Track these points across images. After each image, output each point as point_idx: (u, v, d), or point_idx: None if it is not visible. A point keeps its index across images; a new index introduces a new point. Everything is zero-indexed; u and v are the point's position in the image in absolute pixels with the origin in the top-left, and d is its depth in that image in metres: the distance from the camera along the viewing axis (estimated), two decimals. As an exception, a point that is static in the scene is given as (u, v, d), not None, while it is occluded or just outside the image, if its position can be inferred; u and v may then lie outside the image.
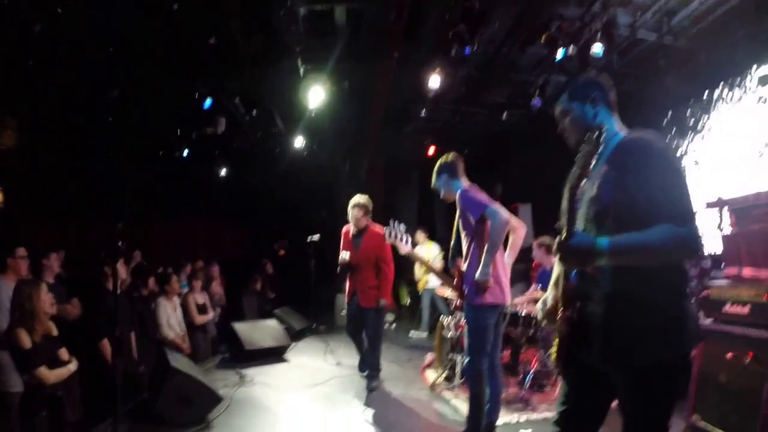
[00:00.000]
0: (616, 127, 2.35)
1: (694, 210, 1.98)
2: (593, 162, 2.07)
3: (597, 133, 2.08)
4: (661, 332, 2.04)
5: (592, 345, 2.18)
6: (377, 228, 5.91)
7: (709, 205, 6.25)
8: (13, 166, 9.60)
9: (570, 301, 2.26)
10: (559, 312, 2.30)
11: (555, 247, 2.08)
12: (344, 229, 6.16)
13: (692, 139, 9.20)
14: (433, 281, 9.20)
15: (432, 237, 10.12)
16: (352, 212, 5.96)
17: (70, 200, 10.79)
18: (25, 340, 3.77)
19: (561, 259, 2.08)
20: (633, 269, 2.05)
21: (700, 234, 1.94)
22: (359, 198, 6.01)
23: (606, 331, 2.14)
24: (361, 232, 6.01)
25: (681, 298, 2.09)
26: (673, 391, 2.10)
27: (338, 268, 6.02)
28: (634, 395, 2.12)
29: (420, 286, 9.78)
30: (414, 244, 9.73)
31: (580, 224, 2.23)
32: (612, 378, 2.19)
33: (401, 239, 4.69)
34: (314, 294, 9.38)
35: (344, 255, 5.98)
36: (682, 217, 1.94)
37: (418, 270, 9.81)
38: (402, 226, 4.75)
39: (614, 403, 2.28)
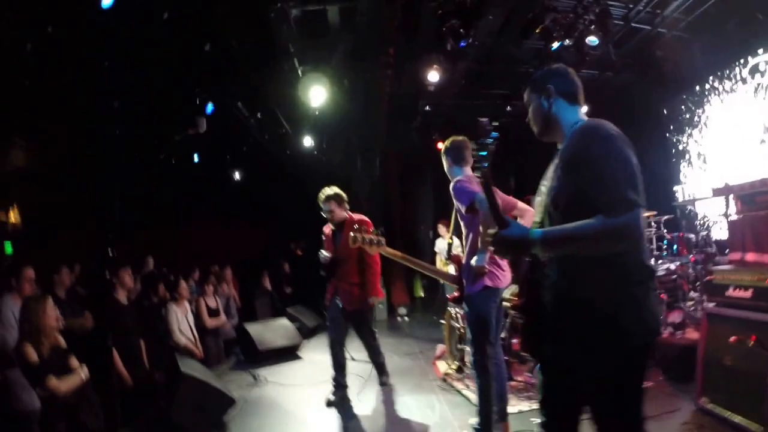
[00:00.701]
0: (576, 117, 2.30)
1: (632, 198, 1.89)
2: (486, 156, 2.12)
3: (492, 128, 2.12)
4: (606, 323, 1.99)
5: (546, 334, 2.18)
6: (357, 217, 5.39)
7: (716, 192, 6.26)
8: (27, 184, 9.85)
9: (523, 290, 2.31)
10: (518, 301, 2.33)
11: (490, 238, 2.10)
12: (324, 228, 5.65)
13: (693, 129, 9.22)
14: (451, 269, 9.13)
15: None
16: (324, 207, 5.39)
17: (83, 213, 11.02)
18: (32, 354, 3.86)
19: (495, 249, 2.12)
20: (577, 258, 2.03)
21: (639, 222, 1.88)
22: (328, 190, 5.43)
23: (555, 321, 2.13)
24: (340, 226, 5.42)
25: (630, 288, 2.01)
26: (629, 382, 2.05)
27: (321, 270, 5.54)
28: (591, 387, 2.10)
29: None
30: (437, 236, 9.88)
31: (539, 215, 2.27)
32: (571, 368, 2.14)
33: (368, 241, 4.35)
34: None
35: (324, 254, 5.46)
36: (614, 206, 1.88)
37: (439, 261, 9.80)
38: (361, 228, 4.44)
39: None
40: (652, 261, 7.37)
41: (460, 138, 4.17)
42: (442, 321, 9.45)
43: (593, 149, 2.01)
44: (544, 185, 2.29)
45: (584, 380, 2.10)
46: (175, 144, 9.21)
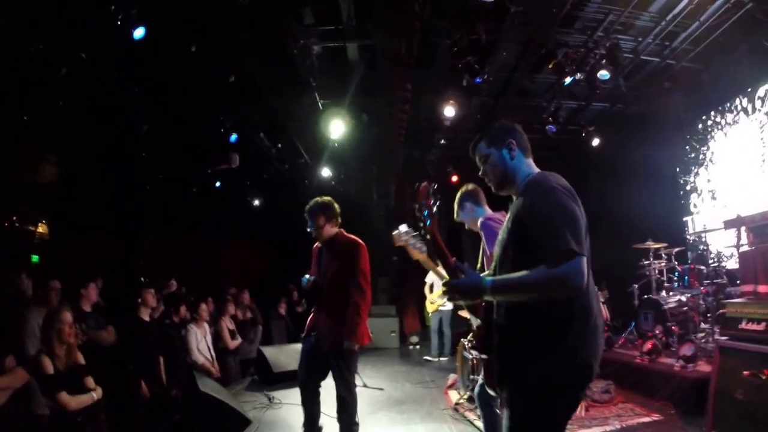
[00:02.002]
0: (530, 170, 2.43)
1: (572, 248, 1.99)
2: (434, 209, 2.30)
3: (432, 188, 2.32)
4: (537, 361, 2.10)
5: (496, 372, 2.30)
6: (351, 237, 4.41)
7: (728, 224, 6.28)
8: (56, 198, 10.19)
9: (481, 330, 2.44)
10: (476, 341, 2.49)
11: (442, 285, 2.24)
12: (314, 247, 4.63)
13: (699, 167, 9.26)
14: (448, 305, 9.03)
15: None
16: (311, 221, 4.33)
17: (109, 229, 11.32)
18: (48, 366, 3.97)
19: (447, 296, 2.24)
20: (521, 304, 2.16)
21: (579, 271, 1.98)
22: (317, 200, 4.37)
23: (498, 359, 2.27)
24: (329, 244, 4.38)
25: (567, 335, 2.09)
26: (535, 416, 2.14)
27: (303, 299, 4.61)
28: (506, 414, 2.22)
29: (429, 309, 9.55)
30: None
31: (493, 265, 2.41)
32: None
33: (414, 244, 3.94)
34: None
35: (307, 277, 4.39)
36: (555, 256, 1.98)
37: (426, 290, 9.65)
38: (409, 230, 3.94)
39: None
40: (663, 293, 7.39)
41: (471, 186, 4.21)
42: (428, 358, 9.41)
43: (536, 202, 2.14)
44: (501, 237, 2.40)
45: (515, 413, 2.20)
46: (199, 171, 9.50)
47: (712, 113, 8.88)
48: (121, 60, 6.41)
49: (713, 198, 8.73)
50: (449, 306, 9.02)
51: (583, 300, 2.12)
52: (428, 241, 2.43)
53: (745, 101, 8.17)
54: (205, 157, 9.24)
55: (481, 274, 2.25)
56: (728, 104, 8.49)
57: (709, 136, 9.06)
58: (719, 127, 8.79)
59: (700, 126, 9.20)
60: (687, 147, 9.51)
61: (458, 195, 4.27)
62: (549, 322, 2.10)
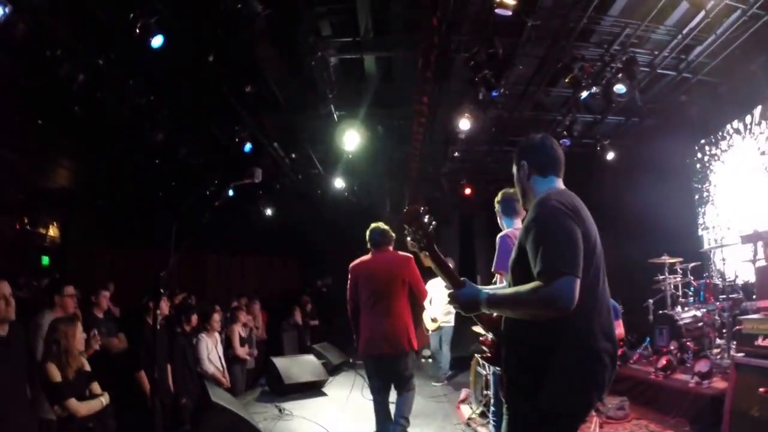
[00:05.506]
0: (548, 187, 2.39)
1: (560, 267, 1.98)
2: (428, 229, 2.36)
3: (422, 210, 2.35)
4: (536, 380, 2.09)
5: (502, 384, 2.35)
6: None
7: (744, 239, 6.22)
8: (69, 202, 10.33)
9: (492, 344, 2.47)
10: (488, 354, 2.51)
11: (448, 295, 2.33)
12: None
13: (705, 206, 9.23)
14: (450, 322, 8.61)
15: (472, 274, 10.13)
16: None
17: (122, 234, 11.44)
18: (55, 374, 3.91)
19: (452, 304, 2.32)
20: (520, 320, 2.17)
21: (566, 291, 1.94)
22: None
23: (504, 372, 2.30)
24: None
25: (564, 359, 2.07)
26: None
27: None
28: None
29: (430, 327, 8.75)
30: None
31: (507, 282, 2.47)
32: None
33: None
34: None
35: None
36: (542, 275, 1.99)
37: (430, 306, 8.69)
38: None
39: None
40: (678, 308, 7.31)
41: (511, 191, 3.97)
42: (435, 383, 9.04)
43: (535, 221, 2.15)
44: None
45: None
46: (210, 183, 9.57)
47: (706, 147, 8.93)
48: (138, 67, 6.51)
49: (728, 229, 8.61)
50: (451, 323, 8.59)
51: (582, 324, 2.09)
52: (430, 260, 2.44)
53: (735, 122, 8.19)
54: (223, 168, 9.30)
55: (482, 287, 2.32)
56: (720, 132, 8.55)
57: (708, 171, 9.06)
58: (716, 158, 8.80)
59: (698, 165, 9.24)
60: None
61: (497, 196, 4.18)
62: (544, 344, 2.10)
